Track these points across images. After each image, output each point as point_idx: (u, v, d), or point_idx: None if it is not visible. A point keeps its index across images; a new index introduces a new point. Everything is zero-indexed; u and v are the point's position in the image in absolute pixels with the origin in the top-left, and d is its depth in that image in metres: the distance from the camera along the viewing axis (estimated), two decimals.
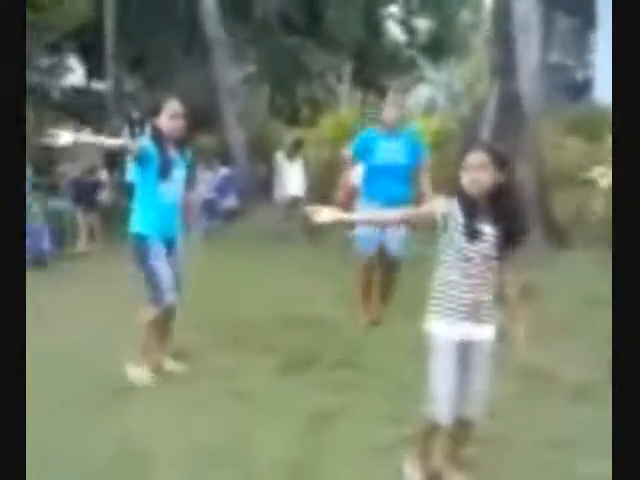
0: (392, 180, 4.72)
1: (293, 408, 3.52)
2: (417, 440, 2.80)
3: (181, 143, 3.96)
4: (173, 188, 3.91)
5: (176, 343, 4.20)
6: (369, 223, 2.69)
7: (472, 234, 2.50)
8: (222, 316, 5.01)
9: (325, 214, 2.65)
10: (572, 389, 3.68)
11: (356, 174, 7.28)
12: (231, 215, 9.51)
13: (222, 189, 9.60)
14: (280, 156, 9.01)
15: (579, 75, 15.59)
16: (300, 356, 4.21)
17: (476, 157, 2.51)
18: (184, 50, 13.30)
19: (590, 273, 5.70)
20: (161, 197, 3.86)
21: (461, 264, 2.54)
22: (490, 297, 2.58)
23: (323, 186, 8.99)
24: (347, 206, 8.04)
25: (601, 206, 7.18)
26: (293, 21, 14.97)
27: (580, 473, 2.88)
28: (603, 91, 11.92)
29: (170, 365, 4.07)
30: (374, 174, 4.78)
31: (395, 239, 4.81)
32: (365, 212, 2.69)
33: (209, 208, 9.19)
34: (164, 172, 3.82)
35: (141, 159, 3.82)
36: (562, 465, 2.94)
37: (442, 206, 2.56)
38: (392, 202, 4.69)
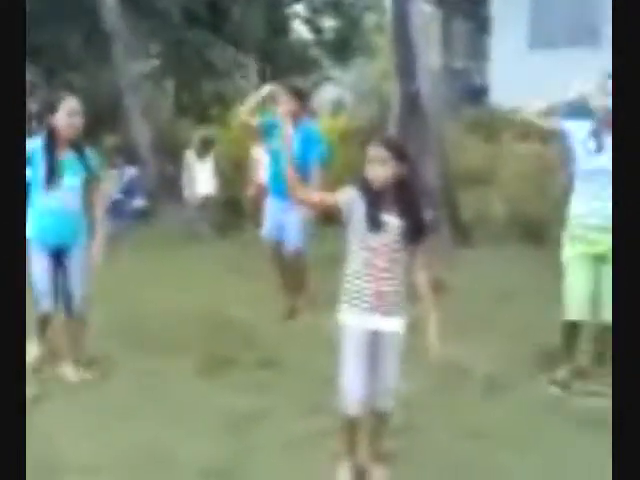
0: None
1: (212, 410, 3.49)
2: (340, 436, 2.84)
3: (77, 144, 3.79)
4: (62, 194, 3.71)
5: (88, 350, 4.08)
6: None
7: (374, 224, 2.59)
8: (134, 320, 4.86)
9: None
10: (485, 382, 3.84)
11: (265, 173, 7.27)
12: (139, 216, 9.23)
13: (129, 189, 9.30)
14: (190, 154, 8.85)
15: (477, 79, 16.28)
16: (218, 357, 4.17)
17: (376, 151, 2.62)
18: (83, 42, 12.74)
19: (496, 270, 5.98)
20: (47, 203, 3.69)
21: (364, 254, 2.63)
22: (397, 289, 2.66)
23: (233, 185, 8.92)
24: (257, 203, 8.05)
25: (501, 206, 7.54)
26: (196, 16, 14.69)
27: (494, 463, 3.02)
28: (498, 95, 12.53)
29: (79, 374, 3.94)
30: (272, 162, 4.98)
31: (293, 231, 4.89)
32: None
33: (115, 209, 8.87)
34: (50, 177, 3.65)
35: (30, 160, 3.64)
36: (477, 455, 3.07)
37: (346, 196, 2.65)
38: (284, 193, 4.78)
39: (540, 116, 3.84)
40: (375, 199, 2.60)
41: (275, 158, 4.89)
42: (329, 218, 4.06)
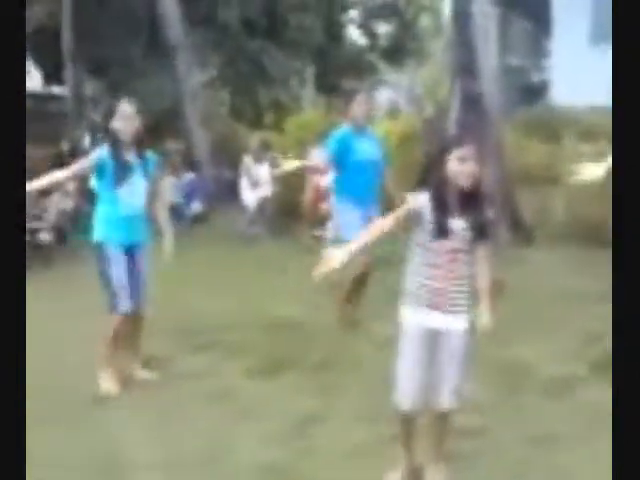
0: (369, 177, 4.79)
1: (271, 411, 3.51)
2: (398, 437, 2.81)
3: (141, 147, 3.91)
4: (131, 195, 3.84)
5: (150, 351, 4.16)
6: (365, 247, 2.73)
7: (442, 231, 2.56)
8: (194, 321, 4.96)
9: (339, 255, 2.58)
10: (548, 383, 3.75)
11: (325, 176, 7.30)
12: (197, 220, 9.44)
13: (188, 194, 9.53)
14: (248, 159, 9.00)
15: (535, 77, 15.93)
16: (275, 358, 4.20)
17: (469, 150, 2.55)
18: (145, 54, 13.14)
19: (558, 270, 5.83)
20: (119, 203, 3.82)
21: (427, 254, 2.60)
22: (461, 288, 2.62)
23: (289, 189, 9.00)
24: (315, 208, 8.08)
25: (563, 205, 7.35)
26: (254, 26, 14.94)
27: (557, 466, 2.93)
28: (560, 93, 12.23)
29: (143, 374, 4.02)
30: (353, 172, 4.79)
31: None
32: (359, 239, 2.72)
33: (174, 213, 9.10)
34: (120, 178, 3.78)
35: (98, 169, 3.80)
36: (540, 458, 2.98)
37: (417, 202, 2.60)
38: (366, 200, 4.75)
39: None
40: (444, 203, 2.55)
41: (349, 159, 4.83)
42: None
